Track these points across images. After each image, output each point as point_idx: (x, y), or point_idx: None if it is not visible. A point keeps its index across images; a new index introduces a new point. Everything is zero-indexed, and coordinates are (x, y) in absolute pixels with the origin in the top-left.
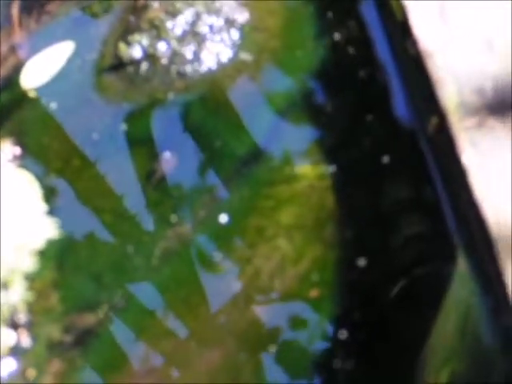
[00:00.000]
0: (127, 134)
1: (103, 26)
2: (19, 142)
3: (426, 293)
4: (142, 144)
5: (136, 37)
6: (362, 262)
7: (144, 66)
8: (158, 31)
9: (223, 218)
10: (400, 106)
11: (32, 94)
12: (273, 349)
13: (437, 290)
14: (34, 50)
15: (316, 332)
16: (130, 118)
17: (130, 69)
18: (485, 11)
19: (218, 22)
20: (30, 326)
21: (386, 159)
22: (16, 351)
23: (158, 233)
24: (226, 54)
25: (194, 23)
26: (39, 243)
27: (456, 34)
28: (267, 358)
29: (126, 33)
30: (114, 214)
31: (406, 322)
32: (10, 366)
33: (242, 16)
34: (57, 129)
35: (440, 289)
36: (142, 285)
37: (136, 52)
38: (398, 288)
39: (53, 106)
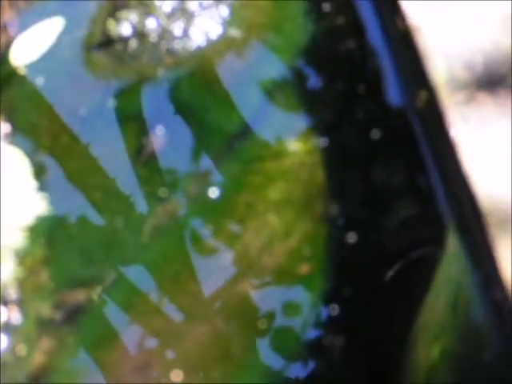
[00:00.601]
0: (116, 111)
1: (92, 4)
2: (9, 119)
3: (419, 275)
4: (131, 120)
5: (125, 14)
6: (352, 238)
7: (133, 42)
8: (146, 8)
9: (213, 194)
10: (390, 81)
11: (21, 72)
12: (263, 325)
13: (430, 272)
14: (24, 27)
15: (307, 307)
16: (119, 94)
17: (119, 46)
18: None
19: None
20: (20, 303)
21: (376, 134)
22: (6, 328)
23: (147, 209)
24: (215, 31)
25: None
26: (29, 220)
27: (445, 8)
28: (257, 335)
29: (114, 10)
30: (103, 190)
31: (398, 300)
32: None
33: None
34: (45, 106)
35: (432, 268)
36: (131, 262)
37: (125, 29)
38: (394, 271)
39: (42, 82)
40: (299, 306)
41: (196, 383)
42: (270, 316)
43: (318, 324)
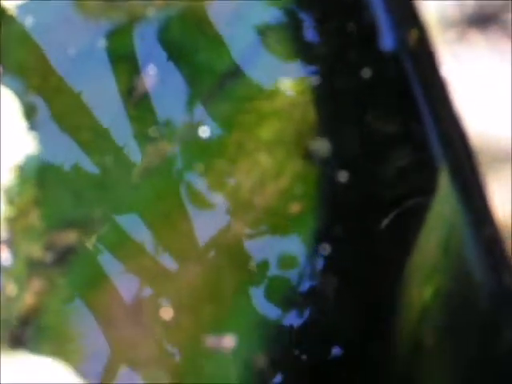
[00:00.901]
0: (107, 51)
1: None
2: None
3: (409, 213)
4: (122, 60)
5: None
6: (343, 177)
7: None
8: None
9: (204, 133)
10: (382, 21)
11: (11, 12)
12: (257, 273)
13: (421, 210)
14: None
15: (302, 259)
16: (110, 34)
17: None
18: None
19: None
20: (11, 244)
21: (367, 73)
22: None
23: (138, 150)
24: None
25: None
26: (20, 160)
27: None
28: (251, 281)
29: None
30: (93, 131)
31: (391, 245)
32: None
33: None
34: (35, 46)
35: (424, 209)
36: (122, 202)
37: None
38: (389, 219)
39: (31, 23)
40: (294, 258)
41: (185, 321)
42: (264, 265)
43: (312, 268)
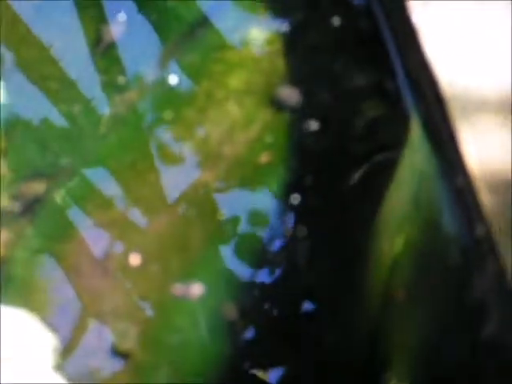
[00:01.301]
0: (73, 0)
1: None
2: None
3: (379, 164)
4: (88, 10)
5: None
6: (313, 125)
7: None
8: None
9: (172, 82)
10: None
11: None
12: (223, 216)
13: (391, 160)
14: None
15: (268, 196)
16: None
17: None
18: None
19: None
20: None
21: (337, 22)
22: None
23: (105, 99)
24: None
25: None
26: None
27: None
28: (218, 225)
29: None
30: (60, 80)
31: (360, 191)
32: None
33: None
34: None
35: (394, 158)
36: (90, 153)
37: None
38: (360, 173)
39: None
40: (265, 215)
41: (153, 271)
42: (235, 221)
43: (283, 230)
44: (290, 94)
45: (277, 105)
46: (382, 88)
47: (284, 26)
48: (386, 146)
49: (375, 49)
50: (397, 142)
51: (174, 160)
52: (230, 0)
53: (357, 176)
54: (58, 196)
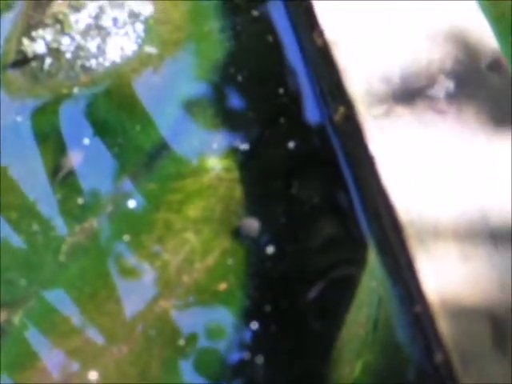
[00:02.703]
0: (33, 130)
1: (6, 22)
2: None
3: (337, 286)
4: (48, 139)
5: (40, 32)
6: (270, 250)
7: (48, 61)
8: (61, 26)
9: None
10: (308, 95)
11: None
12: (181, 343)
13: (349, 283)
14: None
15: (226, 324)
16: (36, 113)
17: (34, 64)
18: (391, 0)
19: (122, 15)
20: None
21: (294, 147)
22: None
23: (64, 229)
24: (131, 48)
25: (97, 17)
26: None
27: (361, 22)
28: (177, 352)
29: (29, 28)
30: (20, 210)
31: (320, 319)
32: None
33: (146, 9)
34: None
35: (352, 282)
36: (49, 281)
37: (40, 47)
38: (316, 291)
39: None
40: (222, 328)
41: None
42: (192, 338)
43: (241, 344)
44: (250, 224)
45: (235, 233)
46: (337, 207)
47: (241, 147)
48: (341, 262)
49: (330, 170)
50: (352, 259)
51: (132, 277)
52: (189, 123)
53: (313, 293)
54: (19, 325)
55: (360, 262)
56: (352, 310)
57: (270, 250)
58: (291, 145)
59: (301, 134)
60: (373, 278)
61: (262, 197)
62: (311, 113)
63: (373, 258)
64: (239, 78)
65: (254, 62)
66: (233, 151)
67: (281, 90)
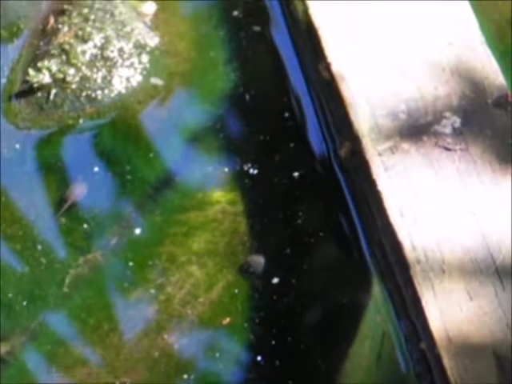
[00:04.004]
0: (37, 161)
1: (12, 52)
2: None
3: (341, 319)
4: (52, 171)
5: (45, 62)
6: (275, 281)
7: (54, 91)
8: (67, 56)
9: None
10: (313, 130)
11: None
12: (186, 376)
13: (353, 316)
14: None
15: (229, 358)
16: (41, 144)
17: (40, 95)
18: (397, 34)
19: (128, 46)
20: None
21: (297, 177)
22: None
23: (68, 260)
24: (136, 79)
25: (103, 48)
26: None
27: (368, 56)
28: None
29: (35, 58)
30: (24, 241)
31: (323, 347)
32: None
33: (152, 40)
34: None
35: (356, 316)
36: (53, 313)
37: (45, 78)
38: (316, 315)
39: None
40: (226, 362)
41: None
42: (196, 372)
43: (244, 378)
44: (256, 261)
45: (240, 269)
46: (341, 238)
47: (245, 178)
48: (345, 291)
49: (334, 201)
50: (355, 289)
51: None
52: (194, 155)
53: (312, 318)
54: (23, 356)
55: (363, 291)
56: (355, 342)
57: (275, 281)
58: (294, 174)
59: (305, 163)
60: (377, 312)
61: (266, 228)
62: (316, 143)
63: (378, 292)
64: (246, 111)
65: (260, 91)
66: (237, 183)
67: (286, 122)
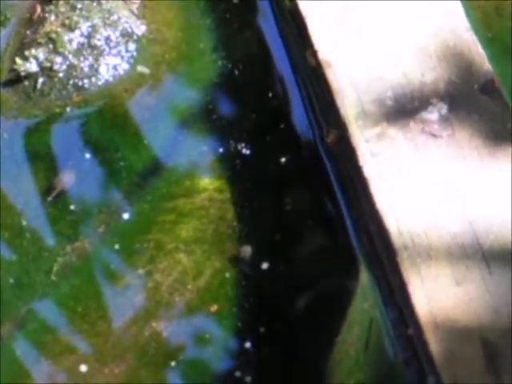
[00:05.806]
0: (25, 150)
1: None
2: None
3: (329, 306)
4: (40, 159)
5: (32, 51)
6: (264, 267)
7: (41, 80)
8: (54, 45)
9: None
10: (300, 116)
11: None
12: (174, 363)
13: (341, 303)
14: None
15: (218, 345)
16: (28, 132)
17: (27, 83)
18: (384, 21)
19: (115, 34)
20: None
21: (285, 161)
22: None
23: (56, 248)
24: (123, 67)
25: (90, 36)
26: None
27: (355, 43)
28: (169, 373)
29: (22, 47)
30: (12, 230)
31: (311, 334)
32: None
33: (139, 29)
34: None
35: (344, 302)
36: (42, 301)
37: (32, 66)
38: (304, 302)
39: None
40: (214, 349)
41: None
42: (184, 358)
43: (232, 364)
44: (244, 250)
45: (226, 253)
46: (328, 222)
47: (233, 164)
48: (333, 274)
49: (321, 186)
50: (343, 272)
51: (125, 297)
52: (182, 138)
53: (301, 304)
54: (12, 344)
55: (351, 277)
56: (343, 329)
57: (264, 266)
58: (283, 160)
59: (292, 149)
60: (365, 299)
61: (253, 215)
62: (303, 130)
63: (365, 278)
64: (233, 97)
65: (247, 82)
66: (224, 170)
67: (273, 110)
